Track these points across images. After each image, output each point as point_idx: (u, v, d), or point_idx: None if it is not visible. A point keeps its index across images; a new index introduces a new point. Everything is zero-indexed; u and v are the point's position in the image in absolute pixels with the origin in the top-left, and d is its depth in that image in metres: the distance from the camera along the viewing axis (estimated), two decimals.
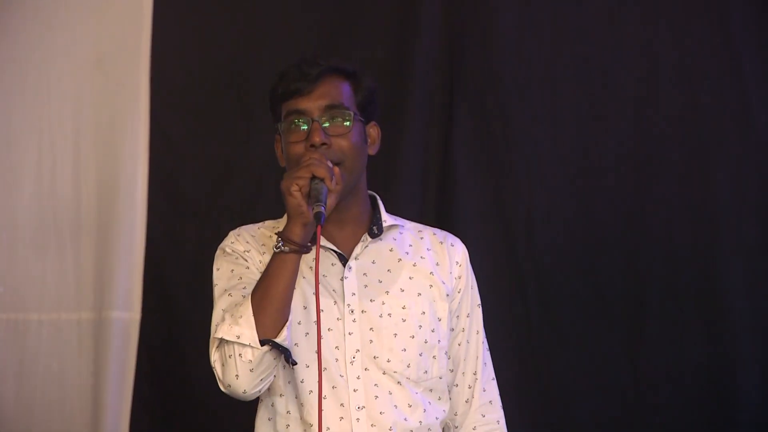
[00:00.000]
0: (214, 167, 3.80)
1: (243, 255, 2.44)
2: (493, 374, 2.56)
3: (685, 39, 3.59)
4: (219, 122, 3.81)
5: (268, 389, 2.38)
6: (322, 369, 2.31)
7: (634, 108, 3.59)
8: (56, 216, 3.83)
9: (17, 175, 3.83)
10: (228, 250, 2.46)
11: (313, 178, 2.25)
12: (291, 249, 2.26)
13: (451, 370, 2.51)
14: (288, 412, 2.38)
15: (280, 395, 2.39)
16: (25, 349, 3.81)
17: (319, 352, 2.28)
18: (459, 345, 2.51)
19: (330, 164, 2.28)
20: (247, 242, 2.46)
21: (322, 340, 2.32)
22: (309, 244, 2.27)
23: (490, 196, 3.63)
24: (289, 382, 2.38)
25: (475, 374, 2.52)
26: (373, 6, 3.74)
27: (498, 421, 2.54)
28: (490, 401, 2.53)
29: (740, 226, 3.57)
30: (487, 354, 2.56)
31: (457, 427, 2.53)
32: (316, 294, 2.27)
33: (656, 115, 3.58)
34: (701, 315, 3.54)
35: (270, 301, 2.25)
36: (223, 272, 2.43)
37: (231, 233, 2.50)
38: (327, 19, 3.75)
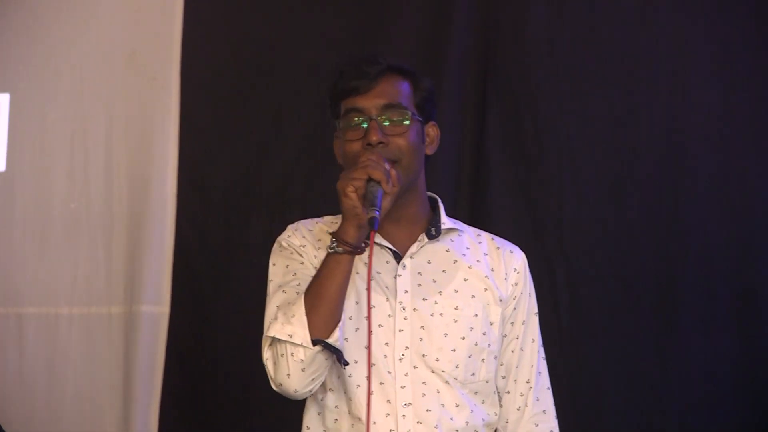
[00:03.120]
0: (243, 163, 3.82)
1: (298, 250, 2.43)
2: (548, 383, 2.54)
3: (718, 33, 3.58)
4: (248, 118, 3.82)
5: None
6: (371, 365, 2.32)
7: (667, 103, 3.59)
8: (88, 211, 3.85)
9: (50, 171, 3.85)
10: (284, 244, 2.45)
11: (369, 180, 2.24)
12: (345, 250, 2.26)
13: (503, 377, 2.50)
14: (336, 406, 2.39)
15: (330, 390, 2.40)
16: (56, 343, 3.83)
17: (369, 350, 2.29)
18: (512, 352, 2.50)
19: (387, 166, 2.28)
20: (304, 237, 2.45)
21: (371, 336, 2.33)
22: (363, 245, 2.26)
23: (522, 191, 3.63)
24: (338, 377, 2.38)
25: (528, 382, 2.50)
26: (405, 2, 3.75)
27: (551, 431, 2.52)
28: (544, 411, 2.51)
29: None
30: (543, 363, 2.55)
31: None
32: (368, 295, 2.28)
33: (689, 110, 3.57)
34: (733, 313, 3.53)
35: (323, 301, 2.25)
36: (278, 268, 2.42)
37: (289, 227, 2.49)
38: (358, 15, 3.75)
